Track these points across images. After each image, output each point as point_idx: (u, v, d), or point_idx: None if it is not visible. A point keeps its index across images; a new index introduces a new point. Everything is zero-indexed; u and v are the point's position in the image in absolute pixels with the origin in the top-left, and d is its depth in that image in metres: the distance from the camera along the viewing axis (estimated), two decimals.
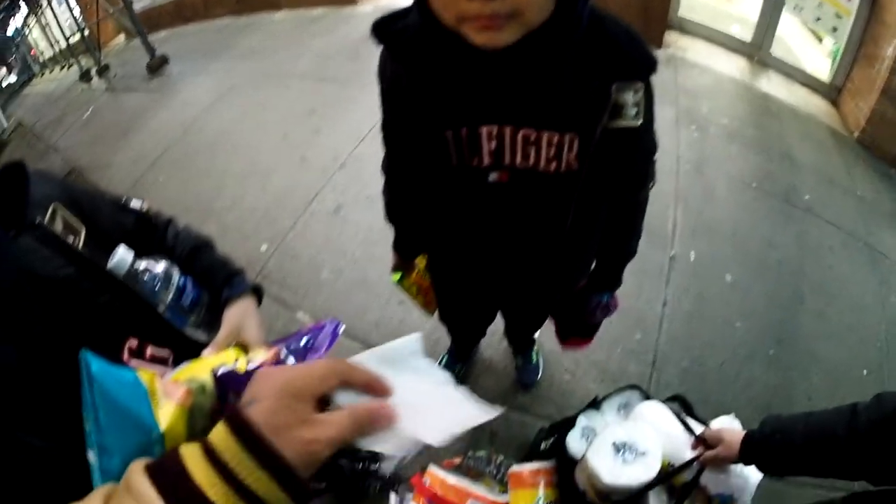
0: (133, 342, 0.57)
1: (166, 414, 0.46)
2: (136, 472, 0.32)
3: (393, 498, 1.27)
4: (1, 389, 0.45)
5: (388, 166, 1.00)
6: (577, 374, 1.73)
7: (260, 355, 0.52)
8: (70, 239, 0.55)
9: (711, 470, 1.01)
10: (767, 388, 1.91)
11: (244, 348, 0.63)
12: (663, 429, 1.11)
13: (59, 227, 0.55)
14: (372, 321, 1.76)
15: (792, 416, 0.84)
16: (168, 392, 0.47)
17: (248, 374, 0.49)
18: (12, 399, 0.46)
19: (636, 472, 1.02)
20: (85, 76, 4.96)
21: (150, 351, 0.60)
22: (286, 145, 2.32)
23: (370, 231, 1.93)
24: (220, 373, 0.49)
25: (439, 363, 1.66)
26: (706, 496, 1.03)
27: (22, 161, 0.56)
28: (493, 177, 0.80)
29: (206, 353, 0.61)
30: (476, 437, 1.59)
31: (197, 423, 0.49)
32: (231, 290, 0.70)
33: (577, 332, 1.32)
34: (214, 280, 0.71)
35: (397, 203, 1.07)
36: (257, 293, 0.73)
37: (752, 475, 0.98)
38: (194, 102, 2.87)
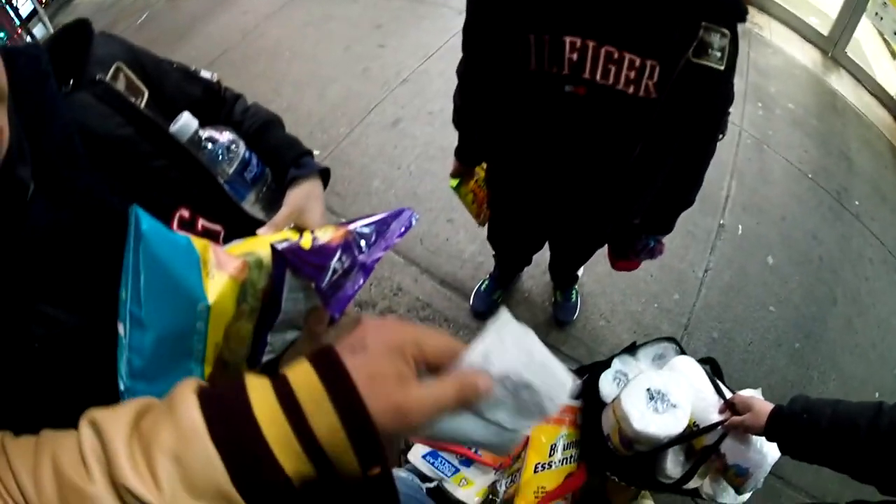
0: (185, 212, 0.52)
1: (217, 285, 0.41)
2: (185, 392, 0.28)
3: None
4: (28, 253, 0.40)
5: (465, 70, 0.99)
6: (612, 321, 1.73)
7: (327, 233, 0.47)
8: (132, 99, 0.51)
9: (733, 438, 1.01)
10: (786, 382, 1.91)
11: (302, 232, 0.58)
12: (695, 386, 1.11)
13: (121, 85, 0.52)
14: (417, 235, 1.76)
15: (822, 400, 0.84)
16: (222, 263, 0.42)
17: (313, 251, 0.45)
18: (39, 266, 0.41)
19: (665, 423, 1.02)
20: None
21: (201, 223, 0.55)
22: (348, 56, 2.28)
23: (427, 146, 1.91)
24: (281, 247, 0.44)
25: (480, 286, 1.66)
26: (723, 464, 1.03)
27: (87, 19, 0.53)
28: (569, 88, 0.80)
29: (261, 231, 0.57)
30: None
31: (247, 302, 0.45)
32: (298, 169, 0.65)
33: (627, 257, 1.31)
34: (282, 158, 0.66)
35: (468, 107, 1.05)
36: (325, 177, 0.69)
37: (770, 453, 0.97)
38: (255, 10, 2.82)
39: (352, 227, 0.48)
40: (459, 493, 1.16)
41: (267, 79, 2.25)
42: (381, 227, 0.49)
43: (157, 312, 0.37)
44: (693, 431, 1.05)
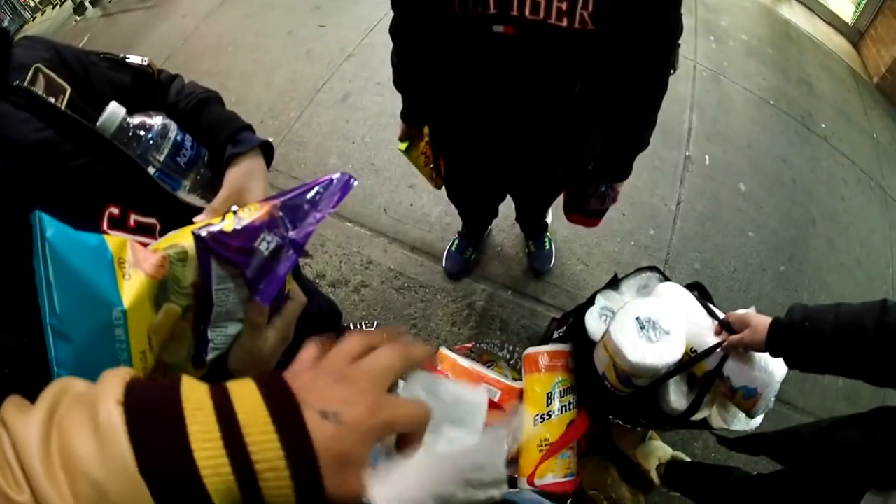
0: (114, 209, 0.49)
1: (133, 286, 0.37)
2: (110, 383, 0.25)
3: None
4: None
5: (396, 27, 0.95)
6: (590, 264, 1.70)
7: (252, 212, 0.42)
8: (51, 100, 0.49)
9: (735, 359, 0.95)
10: (776, 305, 1.90)
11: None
12: (685, 311, 1.05)
13: (40, 87, 0.49)
14: (380, 205, 1.72)
15: (821, 307, 0.79)
16: (141, 260, 0.38)
17: (236, 234, 0.40)
18: None
19: (661, 352, 0.97)
20: (79, 8, 4.78)
21: (133, 218, 0.52)
22: (291, 41, 2.24)
23: (379, 116, 1.87)
24: (202, 233, 0.39)
25: (450, 246, 1.62)
26: (729, 388, 0.98)
27: (4, 28, 0.52)
28: (497, 28, 0.75)
29: (199, 218, 0.52)
30: (486, 326, 1.57)
31: (172, 301, 0.41)
32: (236, 146, 0.60)
33: (581, 211, 1.27)
34: (218, 136, 0.61)
35: (404, 67, 1.01)
36: (267, 151, 0.63)
37: (776, 370, 0.92)
38: (194, 13, 2.77)
39: (278, 200, 0.43)
40: None
41: (213, 75, 2.20)
42: (314, 196, 0.43)
43: (75, 322, 0.35)
44: (691, 358, 1.00)
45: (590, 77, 0.80)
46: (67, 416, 0.24)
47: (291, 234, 0.42)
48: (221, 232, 0.40)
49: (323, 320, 1.13)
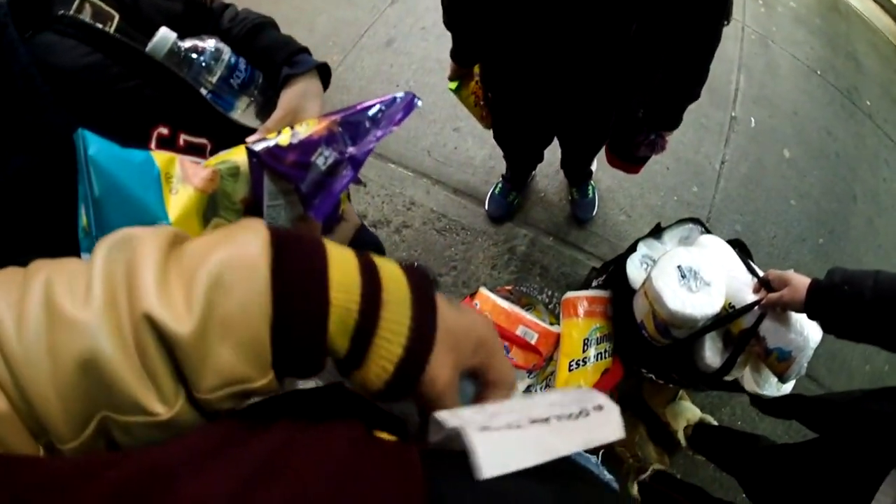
0: (164, 129, 0.49)
1: (181, 200, 0.37)
2: (252, 224, 0.25)
3: None
4: (4, 207, 0.38)
5: None
6: (632, 215, 1.69)
7: (308, 127, 0.41)
8: (99, 26, 0.48)
9: (772, 319, 0.94)
10: (813, 276, 1.86)
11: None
12: (726, 265, 1.04)
13: (86, 15, 0.48)
14: (424, 147, 1.71)
15: (861, 271, 0.78)
16: (188, 176, 0.38)
17: (292, 148, 0.39)
18: (16, 219, 0.39)
19: (701, 302, 0.96)
20: None
21: (183, 138, 0.51)
22: None
23: (424, 60, 1.85)
24: (257, 147, 0.38)
25: (494, 190, 1.61)
26: (764, 349, 0.97)
27: None
28: None
29: (251, 139, 0.50)
30: (526, 271, 1.56)
31: (221, 216, 0.40)
32: (292, 68, 0.59)
33: (624, 156, 1.26)
34: (273, 59, 0.60)
35: (456, 3, 1.00)
36: (324, 73, 0.63)
37: (812, 335, 0.91)
38: None
39: (338, 116, 0.42)
40: None
41: None
42: (376, 113, 0.42)
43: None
44: (730, 313, 0.99)
45: (647, 18, 0.80)
46: (197, 244, 0.24)
47: (351, 149, 0.41)
48: (277, 146, 0.39)
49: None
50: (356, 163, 0.41)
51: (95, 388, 0.20)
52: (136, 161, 0.37)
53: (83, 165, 0.34)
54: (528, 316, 1.23)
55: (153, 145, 0.48)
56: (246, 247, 0.22)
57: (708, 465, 1.38)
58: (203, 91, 0.54)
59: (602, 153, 1.33)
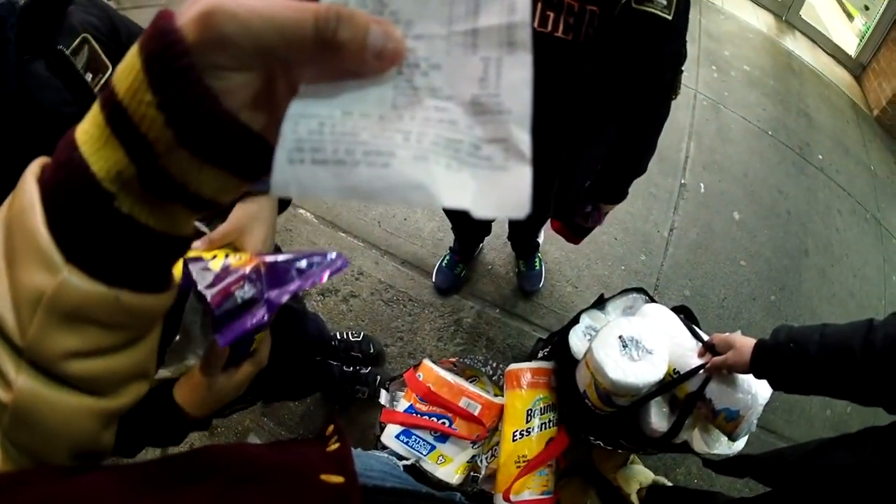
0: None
1: None
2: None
3: (384, 395, 1.25)
4: None
5: None
6: (579, 286, 1.72)
7: (240, 260, 0.44)
8: (89, 76, 0.49)
9: (718, 381, 0.95)
10: (765, 335, 1.89)
11: (236, 252, 0.54)
12: (669, 332, 1.06)
13: (81, 60, 0.49)
14: (375, 217, 1.74)
15: (807, 327, 0.78)
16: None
17: (218, 276, 0.42)
18: None
19: (643, 371, 0.97)
20: None
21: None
22: None
23: None
24: (191, 265, 0.41)
25: (441, 262, 1.64)
26: (711, 410, 0.98)
27: None
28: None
29: (196, 245, 0.52)
30: (472, 343, 1.58)
31: None
32: (255, 184, 0.59)
33: (566, 222, 1.28)
34: None
35: None
36: (283, 201, 0.63)
37: (760, 392, 0.92)
38: None
39: (268, 258, 0.44)
40: (439, 472, 1.12)
41: None
42: (306, 266, 0.44)
43: None
44: (674, 379, 1.01)
45: (591, 93, 0.82)
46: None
47: (270, 293, 0.43)
48: (207, 269, 0.41)
49: (308, 346, 1.12)
50: (271, 305, 0.43)
51: None
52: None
53: None
54: (471, 388, 1.24)
55: None
56: (21, 181, 0.21)
57: None
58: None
59: (551, 229, 1.36)
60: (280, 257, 0.45)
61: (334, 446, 0.32)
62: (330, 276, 0.44)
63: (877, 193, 2.69)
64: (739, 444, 1.05)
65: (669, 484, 1.42)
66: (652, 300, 1.25)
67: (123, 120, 0.19)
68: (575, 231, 1.29)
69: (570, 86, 0.81)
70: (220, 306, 0.41)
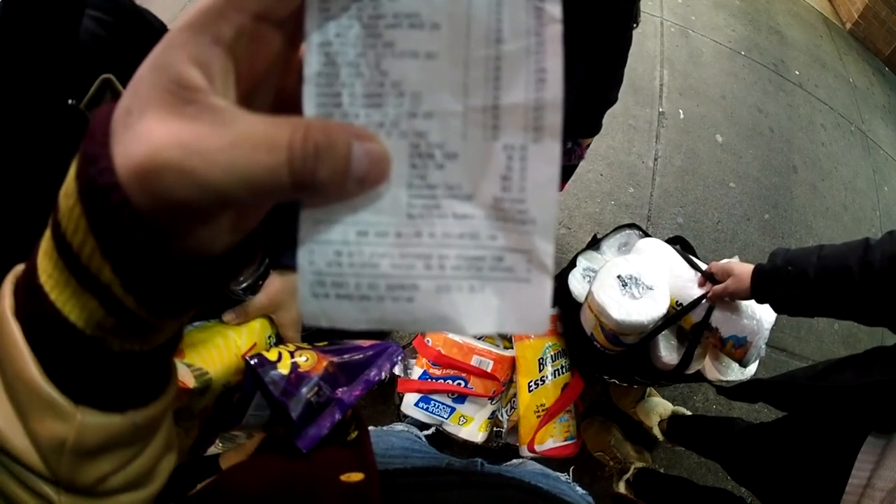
0: None
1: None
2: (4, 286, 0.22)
3: (397, 367, 1.24)
4: None
5: None
6: (572, 227, 1.70)
7: (308, 362, 0.44)
8: None
9: (722, 309, 0.95)
10: (763, 253, 1.89)
11: (273, 324, 0.54)
12: (667, 265, 1.05)
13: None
14: None
15: (803, 249, 0.77)
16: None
17: (290, 378, 0.42)
18: None
19: (646, 308, 0.97)
20: None
21: None
22: None
23: None
24: (255, 364, 0.41)
25: None
26: (719, 339, 0.98)
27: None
28: None
29: (228, 318, 0.50)
30: None
31: (180, 423, 0.40)
32: (294, 258, 0.54)
33: None
34: (283, 233, 0.55)
35: None
36: None
37: (765, 317, 0.92)
38: None
39: (335, 359, 0.45)
40: (462, 432, 1.12)
41: None
42: (366, 360, 0.46)
43: None
44: (677, 312, 1.00)
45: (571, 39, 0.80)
46: None
47: (340, 392, 0.43)
48: (275, 370, 0.41)
49: None
50: (342, 406, 0.42)
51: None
52: None
53: None
54: (480, 345, 1.24)
55: None
56: (1, 316, 0.20)
57: (690, 454, 1.39)
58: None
59: None
60: (346, 355, 0.45)
61: (353, 434, 0.32)
62: (391, 367, 0.46)
63: (859, 105, 2.67)
64: (751, 369, 1.05)
65: (688, 413, 1.43)
66: (645, 234, 1.24)
67: (85, 273, 0.17)
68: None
69: None
70: (297, 411, 0.41)
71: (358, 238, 0.17)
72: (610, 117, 1.09)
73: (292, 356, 0.43)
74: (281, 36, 0.17)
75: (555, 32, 0.16)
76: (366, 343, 0.47)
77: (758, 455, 0.97)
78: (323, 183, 0.15)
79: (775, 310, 0.83)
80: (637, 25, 0.90)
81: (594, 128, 1.08)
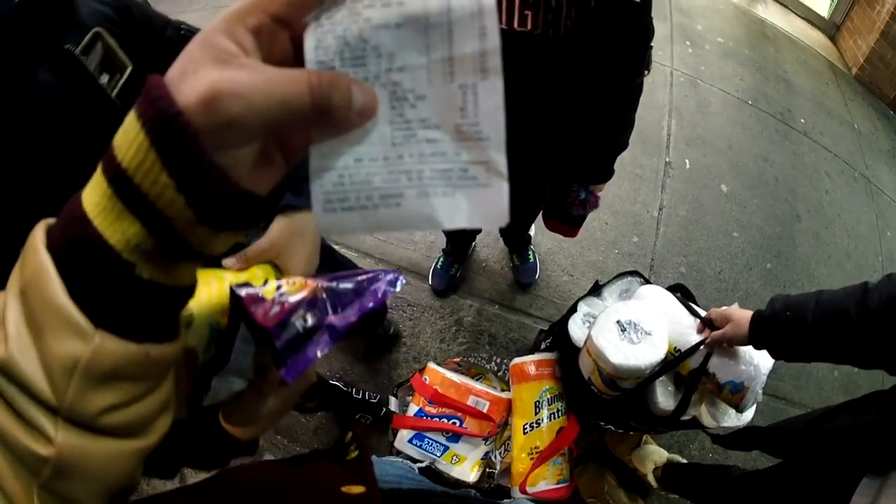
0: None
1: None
2: (35, 230, 0.23)
3: (393, 401, 1.26)
4: None
5: None
6: (574, 274, 1.73)
7: (294, 287, 0.40)
8: (104, 78, 0.43)
9: (719, 355, 0.96)
10: (764, 303, 1.89)
11: (277, 270, 0.50)
12: (667, 311, 1.07)
13: (94, 59, 0.43)
14: None
15: (802, 295, 0.78)
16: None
17: (274, 303, 0.38)
18: None
19: (644, 353, 0.98)
20: None
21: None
22: None
23: None
24: (241, 293, 0.38)
25: (436, 264, 1.65)
26: (716, 385, 0.99)
27: None
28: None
29: (228, 262, 0.48)
30: (474, 341, 1.59)
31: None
32: (297, 196, 0.53)
33: (561, 218, 1.29)
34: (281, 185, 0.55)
35: None
36: None
37: (762, 363, 0.93)
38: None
39: (325, 283, 0.42)
40: (454, 471, 1.13)
41: None
42: (360, 286, 0.42)
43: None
44: (675, 357, 1.02)
45: (575, 82, 0.85)
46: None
47: (332, 318, 0.41)
48: (261, 297, 0.38)
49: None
50: (334, 332, 0.40)
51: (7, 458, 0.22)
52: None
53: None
54: (478, 385, 1.25)
55: None
56: (31, 250, 0.22)
57: (684, 501, 1.40)
58: None
59: (540, 220, 1.37)
60: (337, 280, 0.42)
61: (353, 454, 0.33)
62: (386, 293, 0.42)
63: (863, 151, 2.70)
64: (748, 415, 1.06)
65: (684, 461, 1.44)
66: (647, 281, 1.26)
67: (137, 196, 0.20)
68: (570, 222, 1.29)
69: (554, 78, 0.84)
70: (281, 338, 0.39)
71: (355, 164, 0.23)
72: (617, 166, 1.11)
73: (278, 283, 0.40)
74: (291, 39, 0.23)
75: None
76: (361, 271, 0.43)
77: (753, 502, 0.97)
78: (335, 107, 0.20)
79: (773, 355, 0.84)
80: (649, 72, 0.94)
81: (606, 174, 1.11)
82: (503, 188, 0.23)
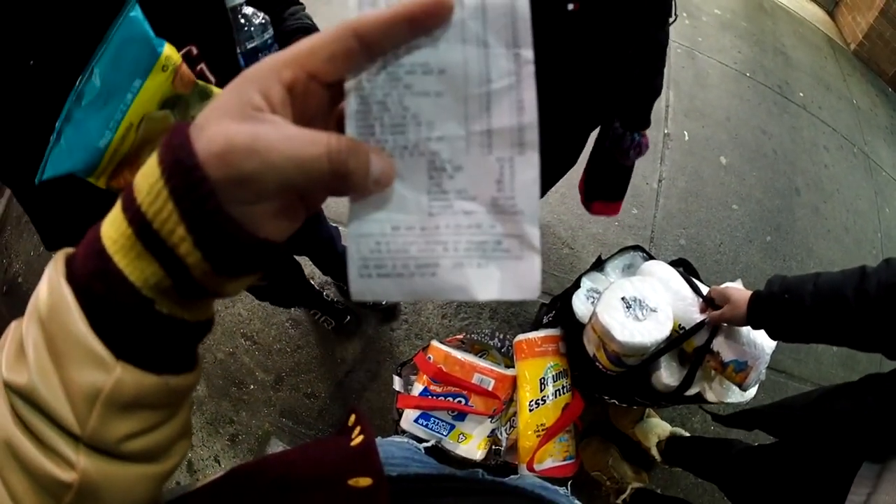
0: (193, 49, 0.57)
1: (156, 80, 0.48)
2: (56, 256, 0.24)
3: (397, 381, 1.24)
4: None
5: None
6: (575, 247, 1.71)
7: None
8: None
9: (724, 334, 0.96)
10: (764, 276, 1.87)
11: None
12: (671, 287, 1.06)
13: None
14: None
15: (800, 277, 0.77)
16: (178, 73, 0.49)
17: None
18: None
19: (649, 329, 0.97)
20: None
21: (201, 67, 0.60)
22: None
23: None
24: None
25: None
26: (720, 363, 0.99)
27: None
28: (570, 6, 0.86)
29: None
30: (476, 316, 1.58)
31: (174, 115, 0.50)
32: (295, 20, 0.71)
33: (606, 191, 1.28)
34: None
35: None
36: None
37: (765, 343, 0.93)
38: None
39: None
40: (460, 449, 1.12)
41: None
42: None
43: (111, 72, 0.47)
44: (680, 335, 1.01)
45: (605, 44, 0.91)
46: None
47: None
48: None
49: (321, 247, 1.25)
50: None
51: (18, 472, 0.22)
52: (152, 37, 0.48)
53: (120, 17, 0.45)
54: (483, 363, 1.24)
55: (181, 55, 0.56)
56: (51, 281, 0.23)
57: (687, 474, 1.40)
58: (238, 49, 0.65)
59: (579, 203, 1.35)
60: None
61: (358, 439, 0.32)
62: None
63: (861, 126, 2.68)
64: (751, 392, 1.05)
65: (687, 434, 1.44)
66: (650, 256, 1.25)
67: (156, 241, 0.21)
68: (616, 195, 1.30)
69: (587, 46, 0.90)
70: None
71: (392, 231, 0.23)
72: None
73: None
74: (328, 94, 0.22)
75: (529, 72, 0.22)
76: None
77: (755, 477, 0.98)
78: (352, 172, 0.20)
79: (771, 336, 0.84)
80: (675, 20, 0.97)
81: (646, 121, 1.11)
82: (535, 261, 0.23)
